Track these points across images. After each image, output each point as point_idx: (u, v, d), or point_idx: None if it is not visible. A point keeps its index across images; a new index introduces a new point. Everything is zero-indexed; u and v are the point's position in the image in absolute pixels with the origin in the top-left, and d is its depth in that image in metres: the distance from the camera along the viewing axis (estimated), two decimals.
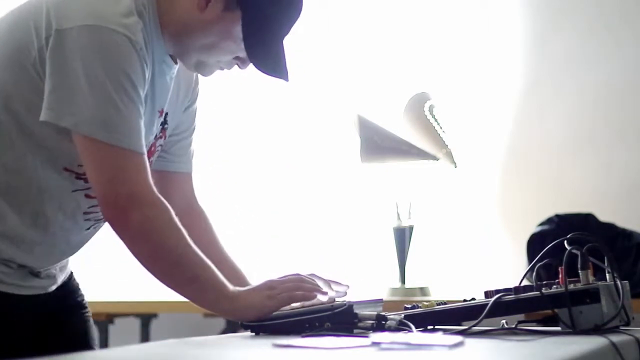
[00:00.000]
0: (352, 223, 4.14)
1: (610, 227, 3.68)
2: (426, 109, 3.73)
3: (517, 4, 4.11)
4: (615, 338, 1.79)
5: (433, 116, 3.73)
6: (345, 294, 2.06)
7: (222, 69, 2.10)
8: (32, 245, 2.03)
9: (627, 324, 1.94)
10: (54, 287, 2.15)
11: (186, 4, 2.01)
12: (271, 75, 2.04)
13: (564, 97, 4.04)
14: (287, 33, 2.04)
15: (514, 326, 1.95)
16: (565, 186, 4.00)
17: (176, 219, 1.96)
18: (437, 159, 3.71)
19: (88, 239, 2.15)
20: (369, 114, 3.72)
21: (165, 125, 2.16)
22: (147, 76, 1.96)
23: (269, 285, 2.00)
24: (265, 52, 2.02)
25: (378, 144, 3.69)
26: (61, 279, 2.18)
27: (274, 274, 2.05)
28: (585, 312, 1.90)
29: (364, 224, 4.10)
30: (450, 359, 1.59)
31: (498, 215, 4.07)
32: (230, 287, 1.98)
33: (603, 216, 3.71)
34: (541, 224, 3.69)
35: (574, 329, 1.88)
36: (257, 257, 3.95)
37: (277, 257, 4.15)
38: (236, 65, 2.08)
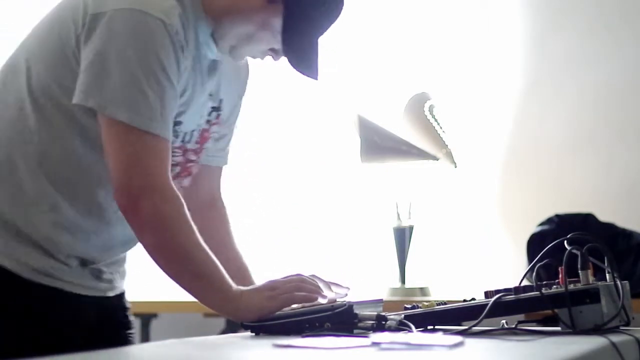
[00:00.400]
0: (352, 223, 4.14)
1: (610, 227, 3.67)
2: (426, 109, 3.73)
3: (517, 4, 4.11)
4: (615, 338, 1.79)
5: (433, 116, 3.73)
6: (346, 295, 2.06)
7: (254, 57, 2.11)
8: (88, 234, 2.03)
9: (627, 324, 1.94)
10: (112, 294, 2.14)
11: None
12: (300, 72, 2.06)
13: (564, 97, 4.03)
14: (323, 32, 2.06)
15: (514, 326, 1.95)
16: (565, 186, 4.00)
17: (187, 214, 1.95)
18: (437, 159, 3.71)
19: None
20: (369, 114, 3.72)
21: (220, 112, 2.16)
22: (184, 62, 1.96)
23: (270, 286, 1.99)
24: (300, 48, 2.04)
25: (378, 144, 3.69)
26: (120, 286, 2.17)
27: (274, 274, 2.05)
28: (585, 312, 1.89)
29: (364, 224, 4.10)
30: (450, 359, 1.59)
31: (498, 215, 4.07)
32: (234, 287, 1.97)
33: (603, 216, 3.71)
34: (541, 224, 3.69)
35: (574, 329, 1.88)
36: (257, 256, 3.94)
37: (277, 257, 4.14)
38: (269, 57, 2.09)
